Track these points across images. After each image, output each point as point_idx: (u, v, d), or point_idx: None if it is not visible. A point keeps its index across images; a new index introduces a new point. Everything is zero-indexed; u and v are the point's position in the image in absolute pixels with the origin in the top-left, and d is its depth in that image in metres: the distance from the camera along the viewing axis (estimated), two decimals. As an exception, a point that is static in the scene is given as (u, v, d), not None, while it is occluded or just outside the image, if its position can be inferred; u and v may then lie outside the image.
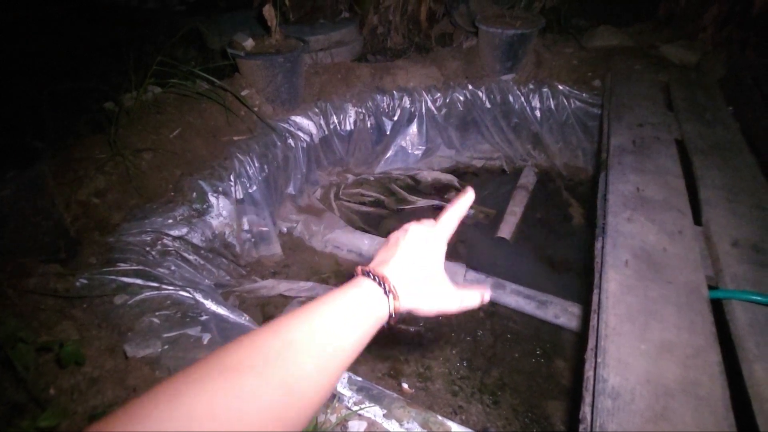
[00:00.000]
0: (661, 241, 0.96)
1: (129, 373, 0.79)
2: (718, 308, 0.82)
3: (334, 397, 0.81)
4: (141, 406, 0.27)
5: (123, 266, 1.15)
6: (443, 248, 0.47)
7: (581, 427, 0.70)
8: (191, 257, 1.38)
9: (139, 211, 1.35)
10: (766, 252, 0.92)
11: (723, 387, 0.67)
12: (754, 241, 0.95)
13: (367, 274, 0.43)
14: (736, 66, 1.83)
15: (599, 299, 0.85)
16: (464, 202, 0.50)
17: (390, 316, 0.42)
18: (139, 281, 1.11)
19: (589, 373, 0.76)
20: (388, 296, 0.41)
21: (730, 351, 0.74)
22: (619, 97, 1.70)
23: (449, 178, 2.29)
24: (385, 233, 1.99)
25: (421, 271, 0.44)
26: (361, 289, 0.41)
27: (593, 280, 0.94)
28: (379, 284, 0.42)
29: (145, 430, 0.25)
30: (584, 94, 2.09)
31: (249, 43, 1.89)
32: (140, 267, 1.16)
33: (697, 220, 1.05)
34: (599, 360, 0.73)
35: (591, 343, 0.80)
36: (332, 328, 0.37)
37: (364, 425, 0.77)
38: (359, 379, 0.86)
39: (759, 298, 0.80)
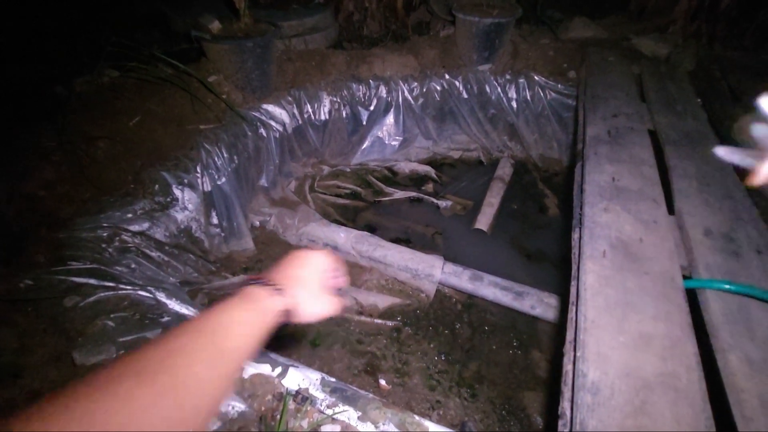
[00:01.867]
0: (637, 231, 0.95)
1: (76, 383, 0.71)
2: (692, 298, 0.83)
3: (306, 399, 0.77)
4: None
5: (75, 265, 1.05)
6: (324, 264, 0.56)
7: (560, 423, 0.68)
8: (154, 254, 1.29)
9: (94, 205, 1.24)
10: (737, 241, 0.93)
11: (700, 378, 0.67)
12: (725, 230, 0.97)
13: (252, 281, 0.48)
14: (704, 58, 1.87)
15: (577, 291, 0.84)
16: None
17: (283, 311, 0.47)
18: (92, 281, 1.02)
19: (567, 367, 0.75)
20: (276, 293, 0.47)
21: (706, 340, 0.74)
22: (594, 88, 1.71)
23: (426, 169, 2.26)
24: (362, 226, 1.94)
25: (305, 280, 0.52)
26: (245, 292, 0.46)
27: (571, 272, 0.93)
28: (264, 285, 0.47)
29: None
30: (560, 86, 2.09)
31: (215, 25, 1.77)
32: (95, 265, 1.07)
33: (671, 209, 1.06)
34: (578, 354, 0.72)
35: (569, 336, 0.79)
36: (216, 327, 0.39)
37: (337, 429, 0.73)
38: (332, 380, 0.81)
39: (732, 287, 0.81)
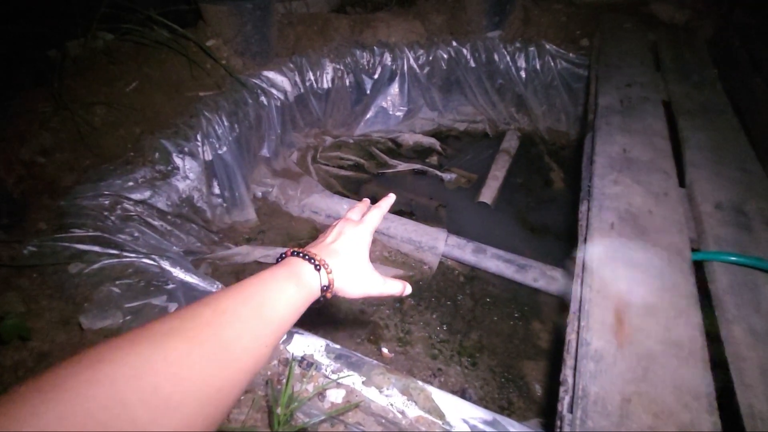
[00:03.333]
0: (647, 203, 0.94)
1: (84, 346, 0.72)
2: (699, 270, 0.82)
3: (311, 365, 0.78)
4: (59, 372, 0.26)
5: (78, 232, 1.05)
6: (368, 239, 0.55)
7: (562, 389, 0.69)
8: (156, 223, 1.29)
9: (94, 173, 1.22)
10: (748, 214, 0.92)
11: (702, 348, 0.67)
12: (737, 203, 0.95)
13: (296, 253, 0.47)
14: (725, 26, 1.78)
15: (584, 263, 0.83)
16: (386, 202, 0.62)
17: (323, 288, 0.47)
18: (96, 248, 1.02)
19: (571, 336, 0.75)
20: (319, 271, 0.46)
21: (711, 311, 0.74)
22: (608, 57, 1.64)
23: (431, 141, 2.22)
24: (365, 197, 1.93)
25: (348, 257, 0.51)
26: (291, 265, 0.45)
27: (577, 244, 0.92)
28: (309, 260, 0.46)
29: (65, 395, 0.24)
30: (571, 54, 2.01)
31: (212, -15, 1.69)
32: (97, 233, 1.07)
33: (682, 181, 1.04)
34: (582, 324, 0.72)
35: (574, 307, 0.79)
36: (264, 298, 0.39)
37: (342, 393, 0.74)
38: (337, 346, 0.82)
39: (740, 259, 0.80)
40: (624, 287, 0.76)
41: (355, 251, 0.52)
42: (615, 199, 0.95)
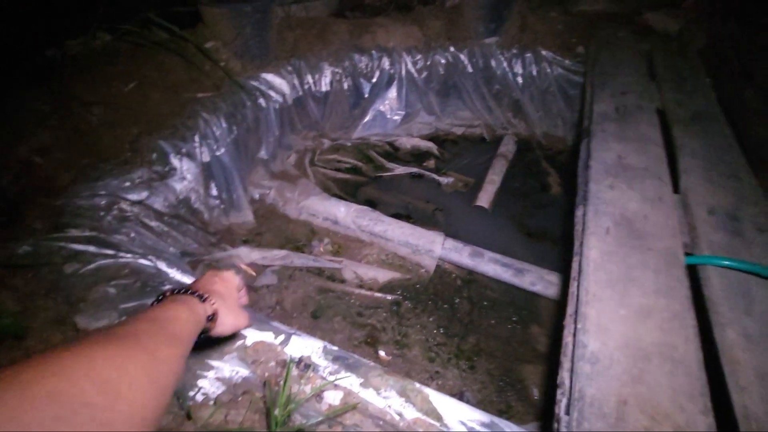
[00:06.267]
0: (642, 209, 0.95)
1: (80, 346, 0.72)
2: (693, 274, 0.83)
3: (309, 367, 0.78)
4: None
5: (74, 232, 1.04)
6: (236, 283, 0.66)
7: (559, 392, 0.69)
8: (153, 224, 1.28)
9: (91, 172, 1.22)
10: (740, 220, 0.93)
11: (697, 349, 0.68)
12: (729, 209, 0.96)
13: (177, 291, 0.53)
14: (716, 36, 1.82)
15: (580, 266, 0.84)
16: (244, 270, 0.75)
17: (208, 318, 0.53)
18: (92, 248, 1.01)
19: (567, 338, 0.76)
20: (204, 302, 0.53)
21: (705, 315, 0.75)
22: (603, 65, 1.67)
23: (428, 145, 2.23)
24: (362, 200, 1.93)
25: (225, 296, 0.59)
26: (176, 299, 0.50)
27: (573, 248, 0.93)
28: (193, 294, 0.52)
29: None
30: (567, 61, 2.04)
31: (212, -12, 1.70)
32: (93, 233, 1.06)
33: (676, 188, 1.05)
34: (579, 326, 0.72)
35: (570, 310, 0.80)
36: (168, 322, 0.44)
37: (340, 395, 0.74)
38: (335, 348, 0.82)
39: (733, 263, 0.81)
40: (619, 290, 0.77)
41: (229, 292, 0.61)
42: (611, 204, 0.96)
